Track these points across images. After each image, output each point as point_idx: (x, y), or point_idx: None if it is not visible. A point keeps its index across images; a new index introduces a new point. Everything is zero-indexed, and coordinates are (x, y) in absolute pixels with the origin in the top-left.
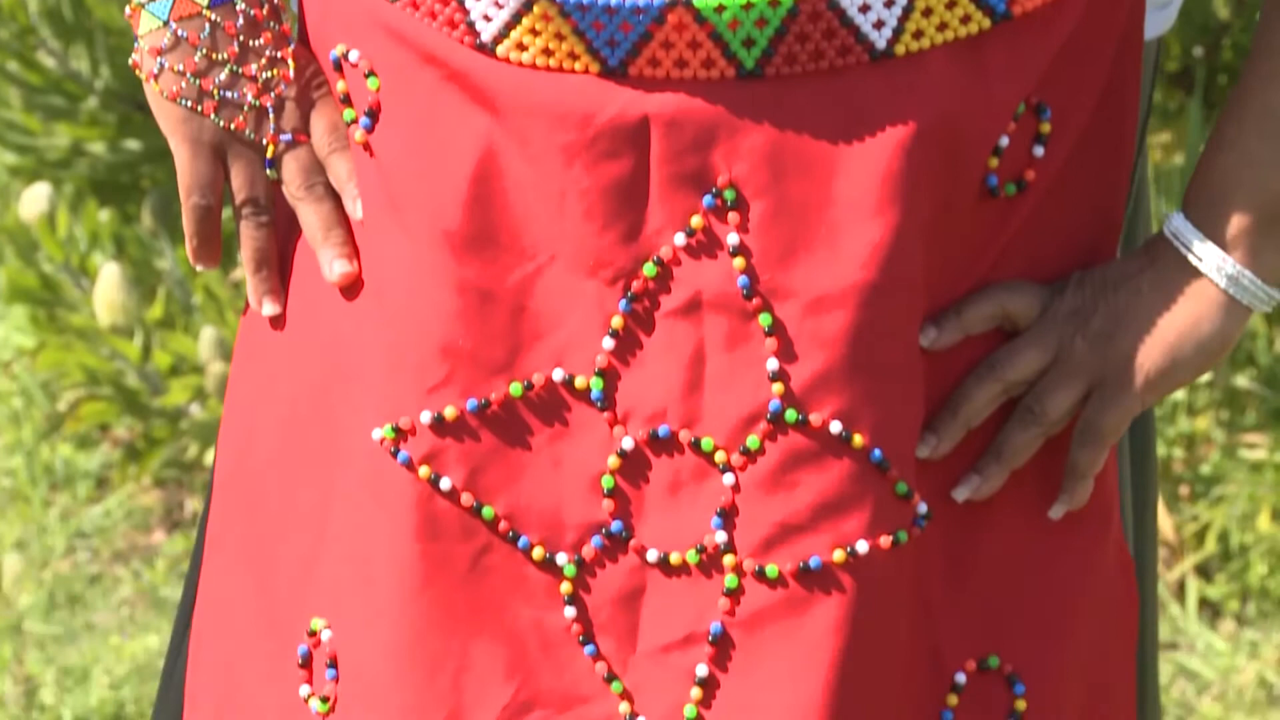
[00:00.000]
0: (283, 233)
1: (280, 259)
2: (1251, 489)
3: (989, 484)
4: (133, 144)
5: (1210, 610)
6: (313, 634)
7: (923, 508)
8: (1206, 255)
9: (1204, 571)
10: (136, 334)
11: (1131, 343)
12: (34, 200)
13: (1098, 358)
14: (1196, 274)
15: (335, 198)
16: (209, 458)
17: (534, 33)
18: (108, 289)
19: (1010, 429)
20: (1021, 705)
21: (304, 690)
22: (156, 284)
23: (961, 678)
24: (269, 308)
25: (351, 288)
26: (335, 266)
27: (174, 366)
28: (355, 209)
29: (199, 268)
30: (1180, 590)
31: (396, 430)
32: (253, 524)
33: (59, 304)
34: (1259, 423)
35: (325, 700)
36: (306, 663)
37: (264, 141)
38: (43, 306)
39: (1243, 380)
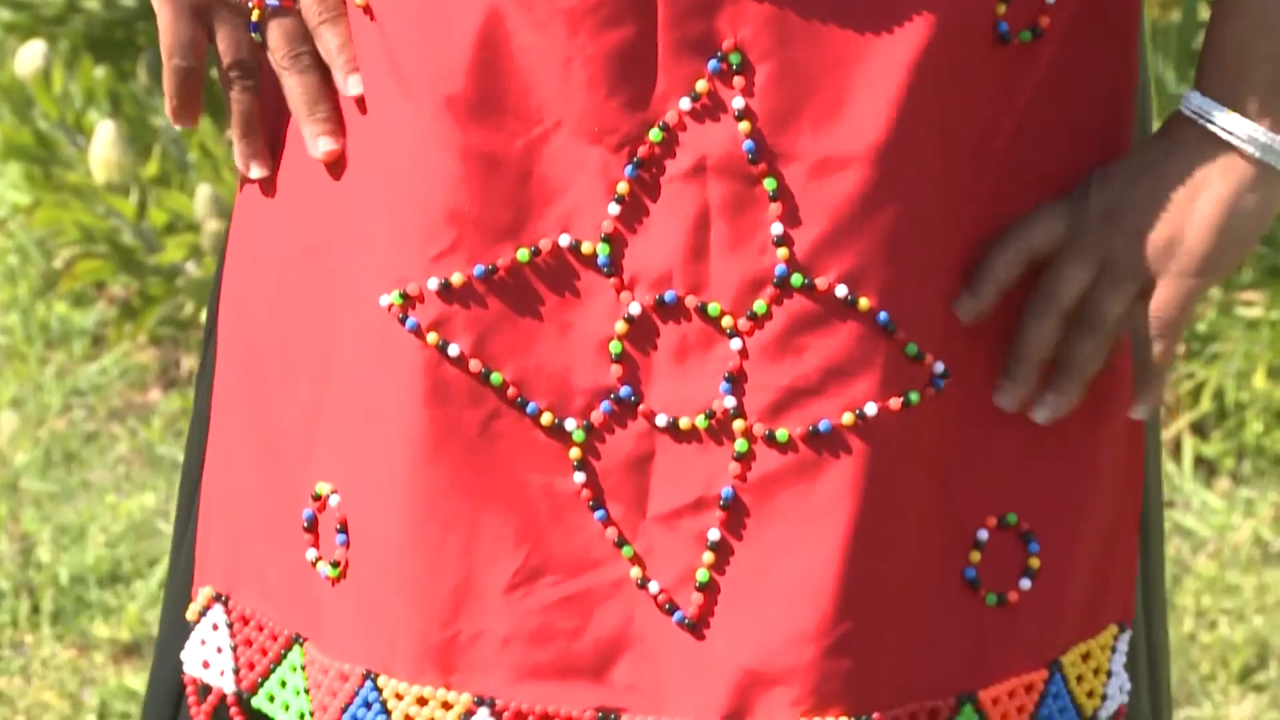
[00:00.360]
0: (277, 93)
1: (275, 120)
2: (1247, 346)
3: (1067, 399)
4: (128, 0)
5: (1206, 468)
6: (318, 498)
7: (939, 367)
8: (1235, 128)
9: (1200, 429)
10: (132, 191)
11: (1174, 232)
12: (29, 57)
13: (1142, 255)
14: (1228, 148)
15: (323, 69)
16: (205, 315)
17: None
18: (103, 146)
19: (1076, 342)
20: (1035, 563)
21: (310, 554)
22: (152, 141)
23: (984, 535)
24: (255, 171)
25: (355, 152)
26: (320, 144)
27: (170, 224)
28: (345, 85)
29: (178, 126)
30: (1176, 448)
31: (404, 296)
32: (255, 389)
33: (54, 161)
34: (1255, 280)
35: (336, 565)
36: (311, 527)
37: (249, 5)
38: (38, 164)
39: None
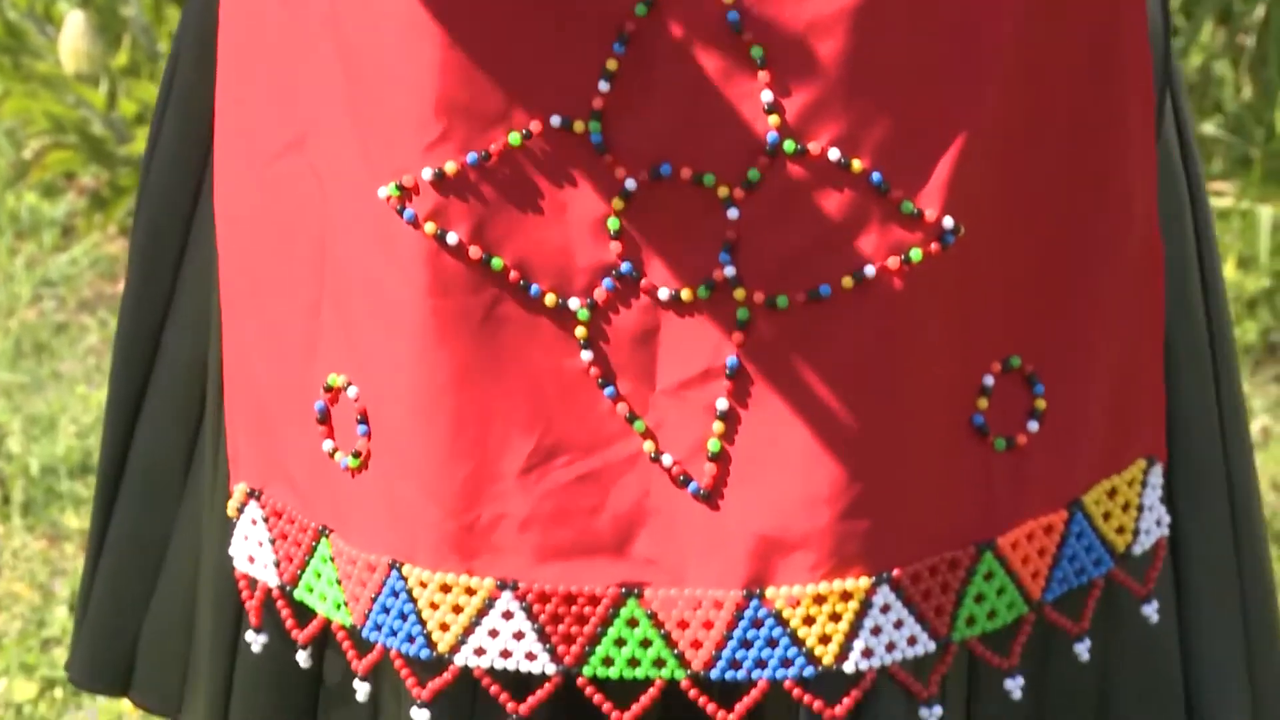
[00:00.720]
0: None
1: (250, 16)
2: (1218, 236)
3: None
4: None
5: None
6: (330, 390)
7: (949, 222)
8: None
9: None
10: (102, 81)
11: None
12: None
13: None
14: None
15: None
16: None
17: None
18: (73, 36)
19: None
20: (1041, 404)
21: (327, 445)
22: (122, 31)
23: (989, 380)
24: None
25: (338, 43)
26: None
27: (140, 114)
28: None
29: None
30: None
31: (401, 188)
32: (254, 284)
33: (24, 51)
34: (1225, 170)
35: (357, 455)
36: (325, 419)
37: None
38: (7, 54)
39: (1209, 128)
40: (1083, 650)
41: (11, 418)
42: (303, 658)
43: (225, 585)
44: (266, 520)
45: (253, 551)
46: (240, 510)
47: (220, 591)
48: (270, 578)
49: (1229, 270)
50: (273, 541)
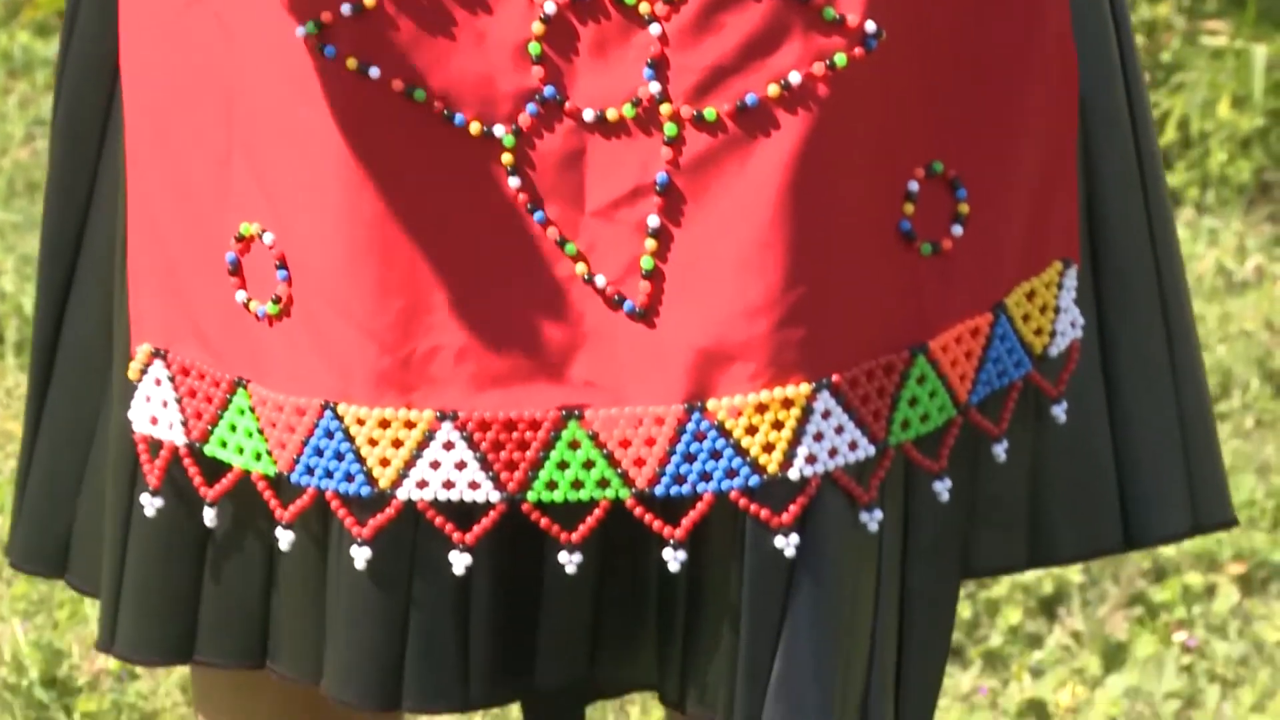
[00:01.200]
0: None
1: None
2: (1212, 76)
3: None
4: None
5: (1170, 198)
6: (242, 239)
7: (871, 26)
8: None
9: (1164, 160)
10: None
11: None
12: None
13: None
14: None
15: None
16: None
17: None
18: None
19: None
20: (964, 209)
21: (240, 295)
22: None
23: (914, 186)
24: None
25: None
26: None
27: None
28: None
29: None
30: None
31: (319, 25)
32: (162, 140)
33: None
34: (1219, 9)
35: (277, 301)
36: (237, 269)
37: None
38: None
39: None
40: (1000, 451)
41: (4, 257)
42: (209, 516)
43: (125, 451)
44: (173, 379)
45: (155, 412)
46: (143, 371)
47: (119, 457)
48: (177, 436)
49: (1224, 110)
50: (179, 400)
